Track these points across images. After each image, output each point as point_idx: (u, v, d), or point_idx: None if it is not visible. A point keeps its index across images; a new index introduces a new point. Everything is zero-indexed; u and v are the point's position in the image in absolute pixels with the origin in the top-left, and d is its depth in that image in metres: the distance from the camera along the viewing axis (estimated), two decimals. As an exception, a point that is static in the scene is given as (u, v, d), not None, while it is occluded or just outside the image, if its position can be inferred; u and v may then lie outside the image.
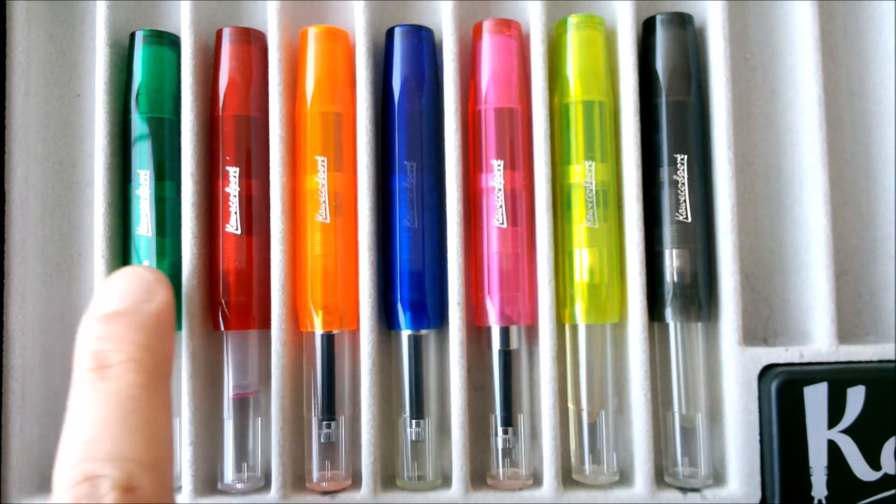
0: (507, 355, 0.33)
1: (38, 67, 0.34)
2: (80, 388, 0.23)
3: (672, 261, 0.33)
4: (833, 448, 0.31)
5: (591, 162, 0.33)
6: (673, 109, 0.33)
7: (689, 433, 0.33)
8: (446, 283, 0.33)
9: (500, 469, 0.33)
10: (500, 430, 0.33)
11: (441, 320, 0.34)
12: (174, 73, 0.34)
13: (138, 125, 0.33)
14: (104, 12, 0.33)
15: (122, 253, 0.33)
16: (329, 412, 0.32)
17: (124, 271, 0.26)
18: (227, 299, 0.33)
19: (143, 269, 0.27)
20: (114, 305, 0.25)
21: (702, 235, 0.33)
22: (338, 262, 0.33)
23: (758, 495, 0.32)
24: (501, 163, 0.33)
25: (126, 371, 0.23)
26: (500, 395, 0.33)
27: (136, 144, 0.33)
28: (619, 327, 0.34)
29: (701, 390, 0.33)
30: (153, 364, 0.24)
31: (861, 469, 0.31)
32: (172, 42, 0.34)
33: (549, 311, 0.32)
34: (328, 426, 0.32)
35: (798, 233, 0.34)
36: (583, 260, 0.33)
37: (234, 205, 0.33)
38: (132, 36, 0.34)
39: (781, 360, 0.32)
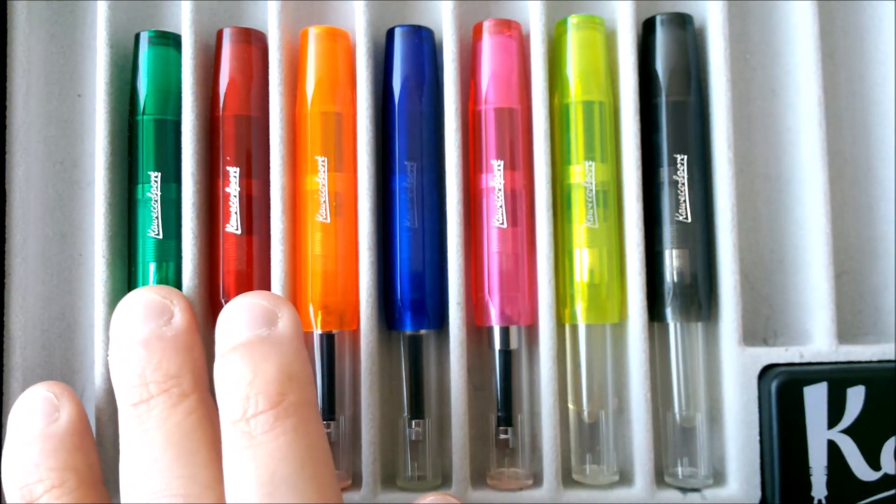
0: (507, 355, 0.33)
1: (39, 67, 0.34)
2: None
3: (672, 261, 0.33)
4: (833, 448, 0.31)
5: (591, 162, 0.33)
6: (673, 109, 0.33)
7: (688, 433, 0.33)
8: (446, 283, 0.33)
9: (500, 469, 0.33)
10: (499, 430, 0.33)
11: (441, 320, 0.34)
12: (179, 75, 0.34)
13: (145, 127, 0.33)
14: (105, 12, 0.33)
15: (122, 253, 0.33)
16: (329, 412, 0.32)
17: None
18: (227, 299, 0.32)
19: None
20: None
21: (702, 235, 0.33)
22: (338, 262, 0.33)
23: (758, 495, 0.32)
24: (501, 163, 0.33)
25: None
26: (500, 395, 0.33)
27: (143, 146, 0.33)
28: (619, 327, 0.34)
29: (701, 390, 0.33)
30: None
31: (861, 469, 0.31)
32: (177, 43, 0.34)
33: (549, 310, 0.32)
34: (328, 426, 0.32)
35: (798, 233, 0.34)
36: (583, 260, 0.33)
37: (234, 205, 0.33)
38: (137, 37, 0.34)
39: (781, 360, 0.32)
